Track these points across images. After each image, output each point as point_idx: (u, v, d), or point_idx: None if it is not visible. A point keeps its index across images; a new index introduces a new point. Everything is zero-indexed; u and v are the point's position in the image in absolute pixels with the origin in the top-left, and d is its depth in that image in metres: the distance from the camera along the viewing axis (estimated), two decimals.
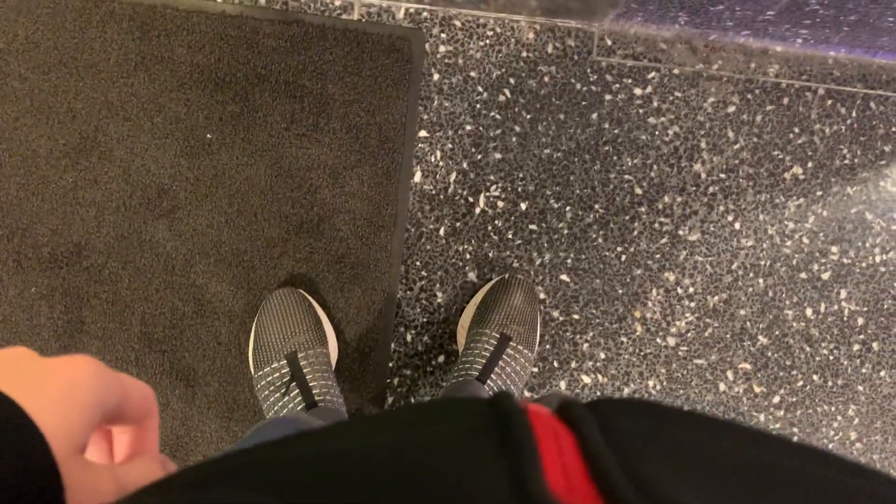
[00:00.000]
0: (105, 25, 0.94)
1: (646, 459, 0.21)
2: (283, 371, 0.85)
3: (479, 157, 0.99)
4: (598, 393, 1.03)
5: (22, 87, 0.94)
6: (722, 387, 1.04)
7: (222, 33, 0.96)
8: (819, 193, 1.04)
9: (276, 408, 0.84)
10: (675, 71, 1.02)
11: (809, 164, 1.04)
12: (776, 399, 1.05)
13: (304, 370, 0.85)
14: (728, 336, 1.03)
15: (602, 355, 1.02)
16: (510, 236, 1.00)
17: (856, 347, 1.06)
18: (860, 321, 1.05)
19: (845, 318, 1.05)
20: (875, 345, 1.06)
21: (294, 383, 0.84)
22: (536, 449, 0.21)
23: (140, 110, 0.95)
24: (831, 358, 1.05)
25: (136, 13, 0.95)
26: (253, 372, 0.89)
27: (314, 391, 0.83)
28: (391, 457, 0.21)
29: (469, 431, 0.23)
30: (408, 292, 0.99)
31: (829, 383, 1.06)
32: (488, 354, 0.89)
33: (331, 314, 0.97)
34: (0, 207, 0.94)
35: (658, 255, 1.02)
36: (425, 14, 0.99)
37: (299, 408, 0.83)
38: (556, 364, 1.01)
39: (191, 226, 0.96)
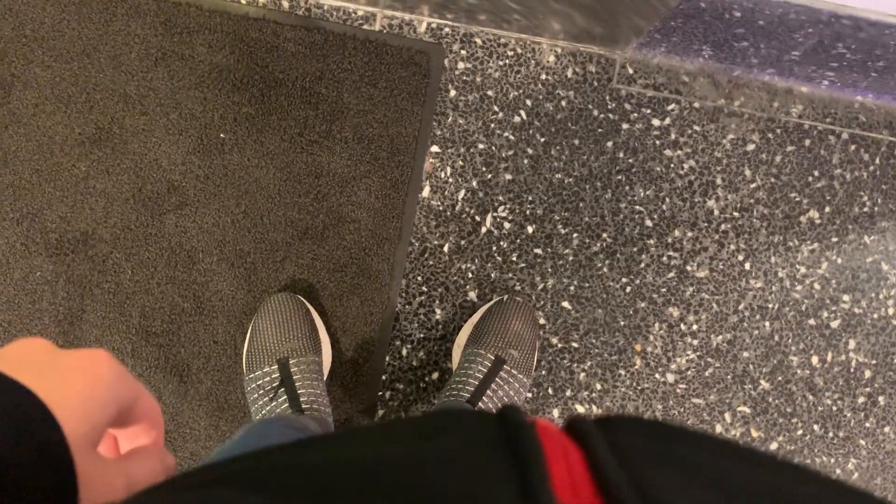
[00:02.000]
0: (129, 19, 0.95)
1: (654, 477, 0.21)
2: (274, 376, 0.85)
3: (490, 176, 0.99)
4: None
5: (44, 75, 0.95)
6: (718, 428, 1.02)
7: (243, 35, 0.96)
8: (834, 240, 1.01)
9: (263, 412, 0.84)
10: (696, 104, 1.00)
11: (827, 209, 1.01)
12: (774, 445, 1.02)
13: (295, 377, 0.85)
14: (729, 377, 1.01)
15: (598, 386, 1.01)
16: (514, 258, 0.99)
17: (861, 400, 1.03)
18: (867, 373, 1.03)
19: (852, 370, 1.02)
20: (881, 399, 1.03)
21: (283, 389, 0.84)
22: (545, 462, 0.21)
23: (157, 105, 0.96)
24: (834, 409, 1.03)
25: (161, 9, 0.96)
26: (245, 373, 0.89)
27: (302, 399, 0.83)
28: (403, 467, 0.21)
29: (478, 443, 0.23)
30: (407, 306, 0.99)
31: (830, 434, 1.03)
32: (481, 376, 0.88)
33: (328, 322, 0.97)
34: (13, 191, 0.95)
35: (664, 290, 1.00)
36: (447, 30, 0.98)
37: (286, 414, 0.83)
38: (550, 391, 1.00)
39: (197, 223, 0.97)
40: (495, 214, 0.99)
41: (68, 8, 0.95)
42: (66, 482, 0.22)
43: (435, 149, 0.98)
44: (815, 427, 1.03)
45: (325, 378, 0.92)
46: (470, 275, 0.99)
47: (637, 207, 1.00)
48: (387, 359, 0.99)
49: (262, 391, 0.85)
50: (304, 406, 0.83)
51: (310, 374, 0.86)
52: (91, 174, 0.96)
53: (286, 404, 0.83)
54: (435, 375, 0.99)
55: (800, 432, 1.03)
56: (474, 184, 0.99)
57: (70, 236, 0.96)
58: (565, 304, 0.99)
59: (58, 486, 0.22)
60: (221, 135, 0.97)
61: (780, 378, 1.02)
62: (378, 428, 0.26)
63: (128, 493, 0.26)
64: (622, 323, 1.00)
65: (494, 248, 0.99)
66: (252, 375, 0.87)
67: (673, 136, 1.00)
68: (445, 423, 0.26)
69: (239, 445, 0.66)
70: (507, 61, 0.99)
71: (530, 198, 0.99)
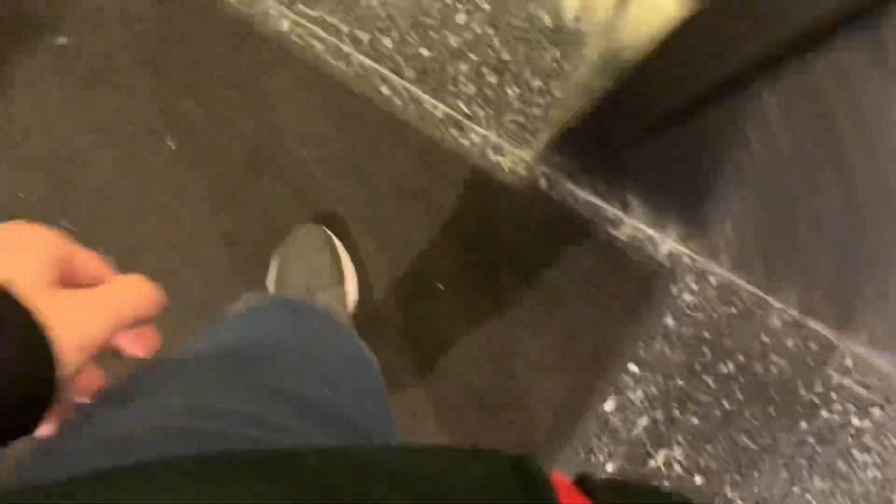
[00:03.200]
0: (397, 148, 0.96)
1: None
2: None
3: (678, 414, 0.97)
4: None
5: (297, 169, 0.96)
6: None
7: (495, 200, 0.96)
8: None
9: None
10: None
11: None
12: None
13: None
14: None
15: None
16: None
17: None
18: None
19: None
20: None
21: None
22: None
23: (393, 234, 0.96)
24: None
25: (429, 151, 0.96)
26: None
27: None
28: (441, 477, 0.24)
29: (499, 477, 0.25)
30: None
31: None
32: None
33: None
34: (241, 264, 0.96)
35: None
36: (685, 259, 0.97)
37: None
38: None
39: (383, 352, 0.96)
40: (670, 453, 0.97)
41: (343, 121, 0.96)
42: (29, 323, 0.24)
43: (633, 368, 0.97)
44: None
45: (349, 311, 0.90)
46: None
47: (808, 497, 0.97)
48: None
49: None
50: None
51: (334, 305, 0.85)
52: None
53: None
54: None
55: None
56: (659, 416, 0.97)
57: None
58: None
59: (24, 327, 0.24)
60: (439, 284, 0.96)
61: None
62: (426, 449, 0.29)
63: (119, 316, 0.28)
64: None
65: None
66: None
67: (867, 440, 0.97)
68: (473, 454, 0.28)
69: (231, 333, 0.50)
70: (733, 309, 0.97)
71: (709, 448, 0.97)
